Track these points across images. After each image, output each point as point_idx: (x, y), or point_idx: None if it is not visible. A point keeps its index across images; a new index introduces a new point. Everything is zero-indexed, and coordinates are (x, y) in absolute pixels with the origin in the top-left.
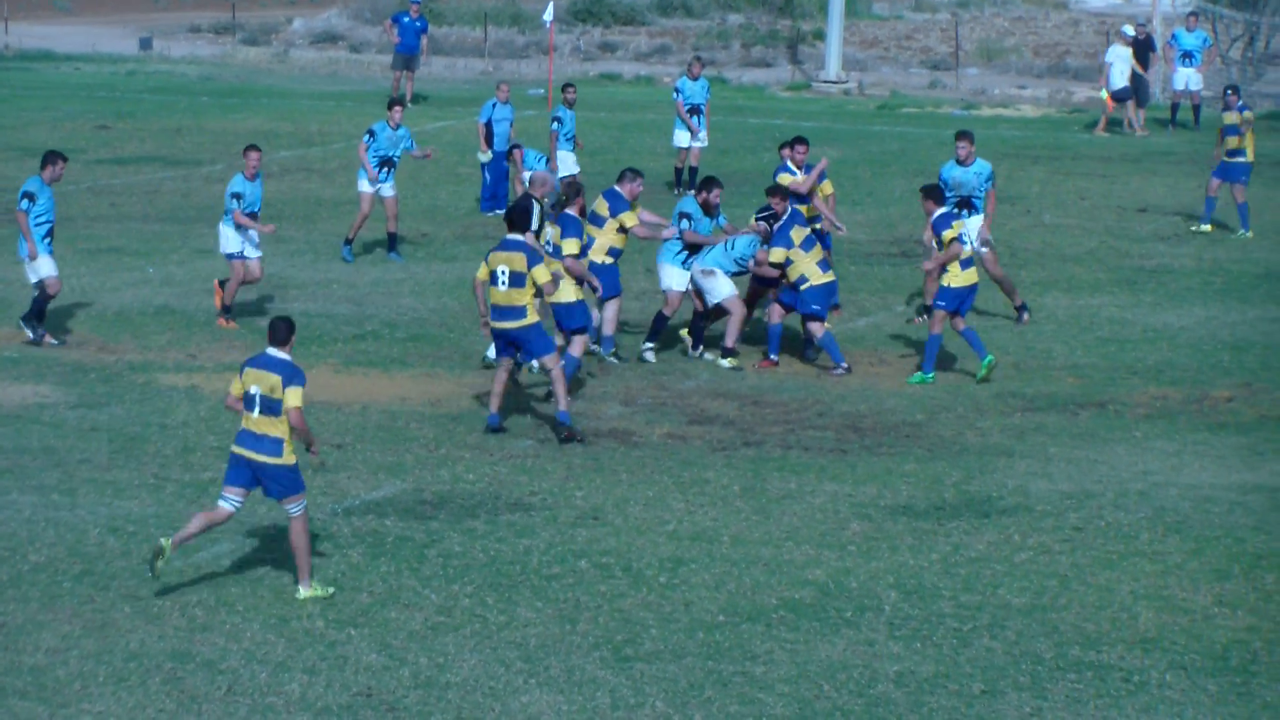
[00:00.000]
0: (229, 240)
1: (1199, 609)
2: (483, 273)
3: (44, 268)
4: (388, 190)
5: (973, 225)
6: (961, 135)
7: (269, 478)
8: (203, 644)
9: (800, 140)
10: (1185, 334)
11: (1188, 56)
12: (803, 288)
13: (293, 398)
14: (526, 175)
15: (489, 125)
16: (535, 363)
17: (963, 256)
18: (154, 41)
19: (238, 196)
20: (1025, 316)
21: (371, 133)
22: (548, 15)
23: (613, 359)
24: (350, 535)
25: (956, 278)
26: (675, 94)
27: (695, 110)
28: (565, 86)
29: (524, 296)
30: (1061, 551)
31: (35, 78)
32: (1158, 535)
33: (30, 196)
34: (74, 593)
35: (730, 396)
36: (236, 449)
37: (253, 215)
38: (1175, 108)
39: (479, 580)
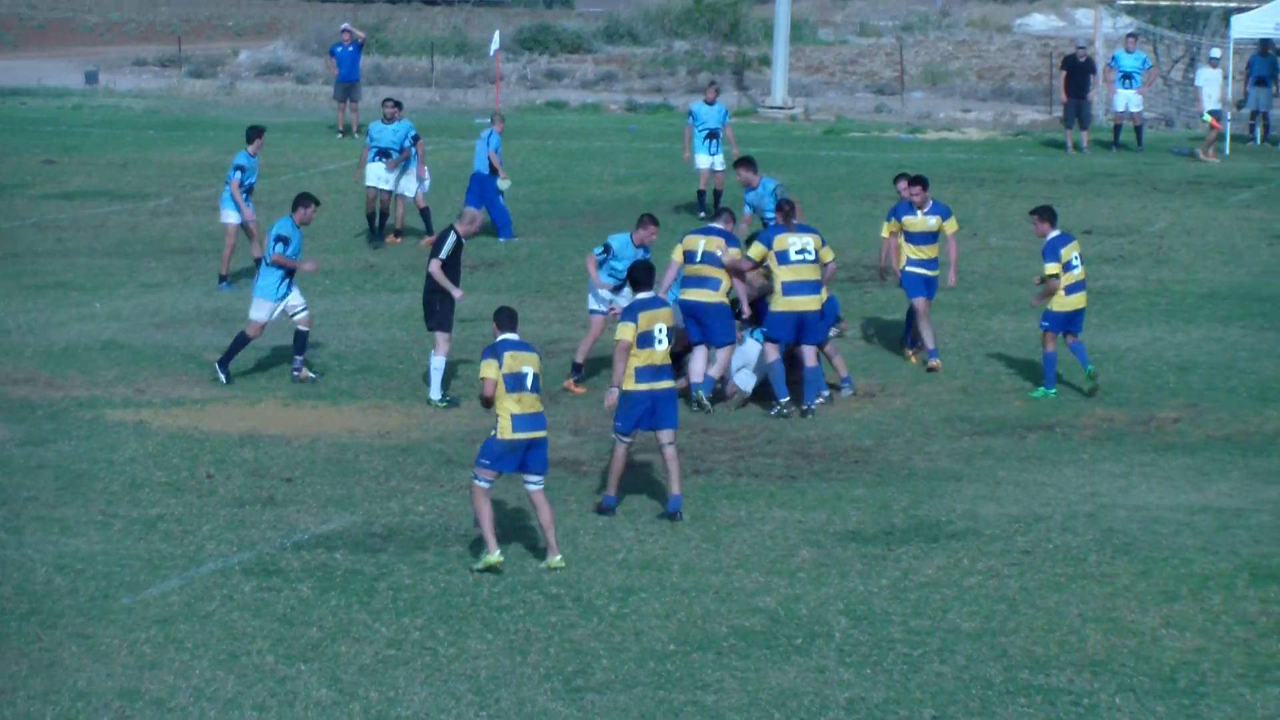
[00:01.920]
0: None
1: (1147, 630)
2: (629, 333)
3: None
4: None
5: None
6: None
7: (540, 453)
8: (151, 682)
9: (920, 180)
10: (1131, 355)
11: (1128, 78)
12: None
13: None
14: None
15: (497, 153)
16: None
17: (1065, 283)
18: (100, 75)
19: (240, 168)
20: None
21: (241, 166)
22: (494, 45)
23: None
24: (300, 569)
25: (1061, 302)
26: (689, 118)
27: (713, 134)
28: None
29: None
30: (1010, 575)
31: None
32: (1106, 557)
33: (284, 240)
34: (21, 632)
35: (679, 425)
36: (517, 435)
37: (250, 189)
38: (1118, 129)
39: (429, 613)
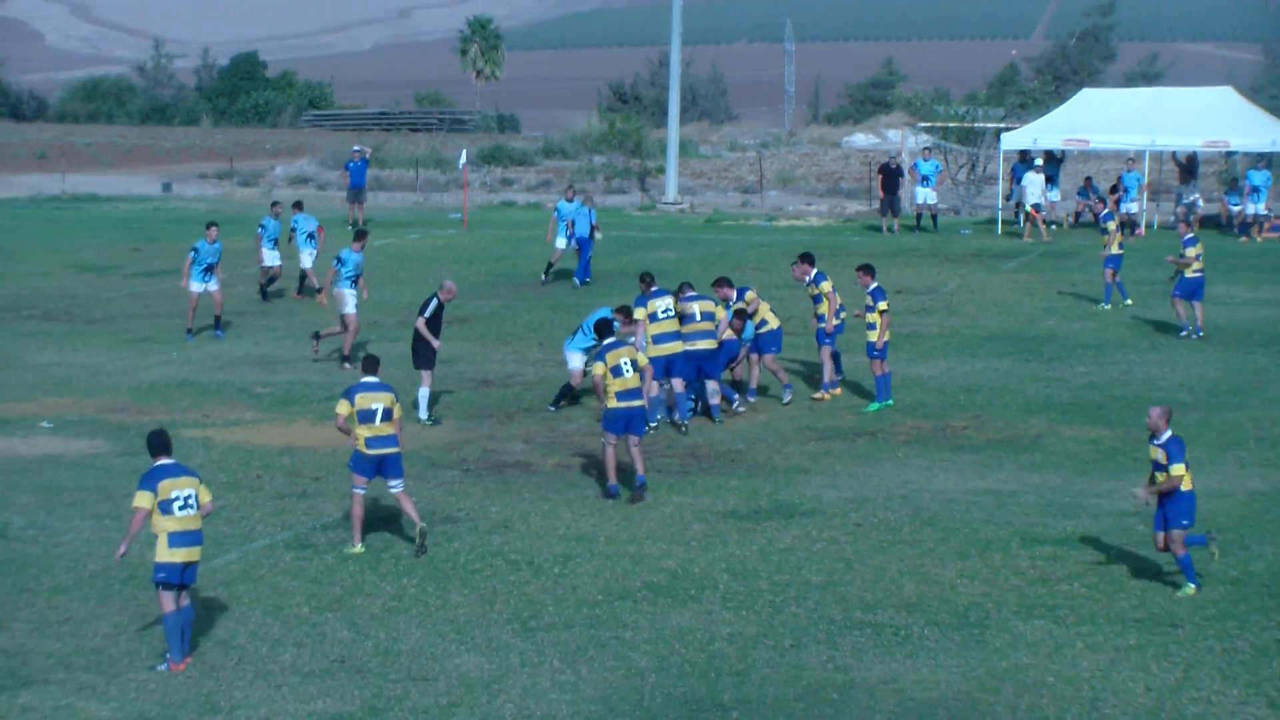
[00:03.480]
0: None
1: (946, 581)
2: (600, 369)
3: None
4: (214, 286)
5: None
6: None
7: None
8: (219, 627)
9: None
10: (932, 380)
11: (925, 180)
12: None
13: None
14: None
15: (561, 218)
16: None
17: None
18: (172, 185)
19: (195, 250)
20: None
21: (196, 249)
22: (462, 160)
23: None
24: (326, 544)
25: (879, 336)
26: (555, 212)
27: (571, 224)
28: (273, 204)
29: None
30: (846, 541)
31: (85, 214)
32: (916, 527)
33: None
34: (122, 593)
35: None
36: (371, 451)
37: (210, 267)
38: (919, 217)
39: (421, 575)
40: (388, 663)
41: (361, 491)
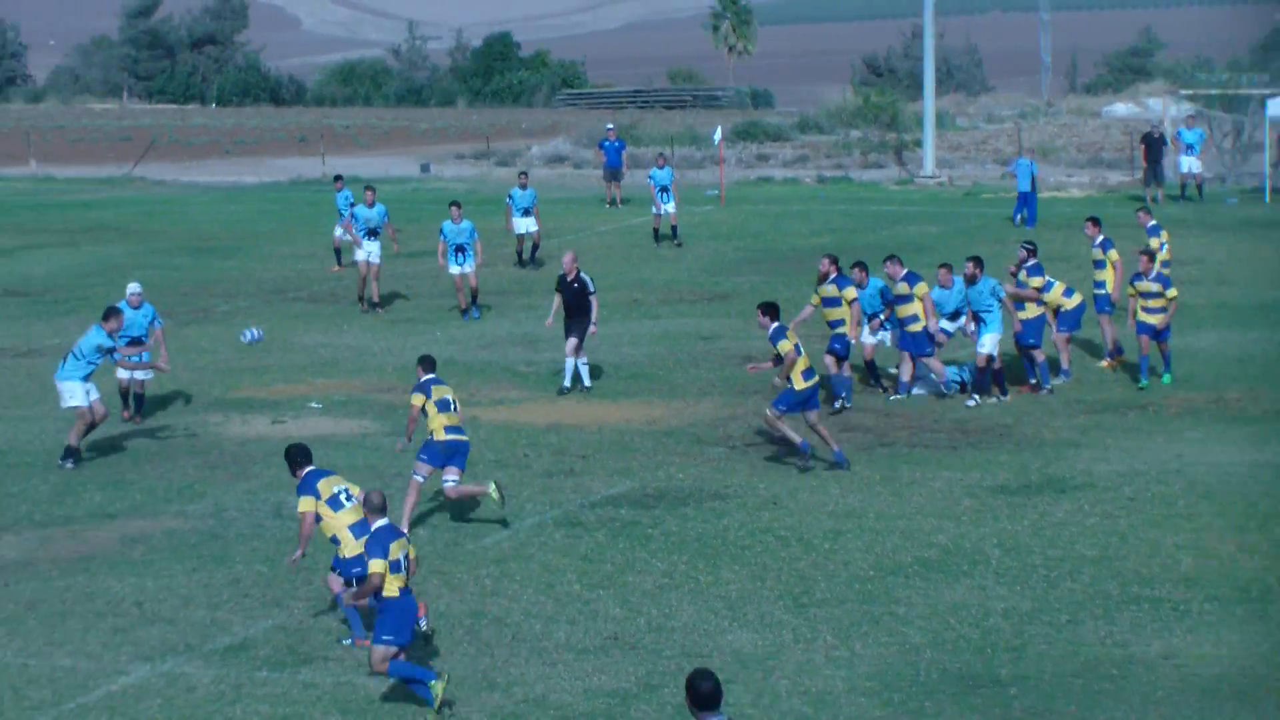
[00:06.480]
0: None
1: (1226, 555)
2: (787, 346)
3: None
4: (468, 267)
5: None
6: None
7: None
8: (491, 605)
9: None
10: (1203, 352)
11: (1189, 148)
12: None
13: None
14: None
15: None
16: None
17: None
18: (430, 166)
19: (442, 231)
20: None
21: (443, 230)
22: (717, 136)
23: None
24: (595, 521)
25: (1143, 316)
26: (508, 199)
27: (526, 212)
28: (366, 187)
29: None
30: (1120, 515)
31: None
32: (1191, 501)
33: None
34: None
35: (869, 411)
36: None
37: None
38: (1184, 186)
39: (692, 551)
40: (661, 639)
41: (420, 480)
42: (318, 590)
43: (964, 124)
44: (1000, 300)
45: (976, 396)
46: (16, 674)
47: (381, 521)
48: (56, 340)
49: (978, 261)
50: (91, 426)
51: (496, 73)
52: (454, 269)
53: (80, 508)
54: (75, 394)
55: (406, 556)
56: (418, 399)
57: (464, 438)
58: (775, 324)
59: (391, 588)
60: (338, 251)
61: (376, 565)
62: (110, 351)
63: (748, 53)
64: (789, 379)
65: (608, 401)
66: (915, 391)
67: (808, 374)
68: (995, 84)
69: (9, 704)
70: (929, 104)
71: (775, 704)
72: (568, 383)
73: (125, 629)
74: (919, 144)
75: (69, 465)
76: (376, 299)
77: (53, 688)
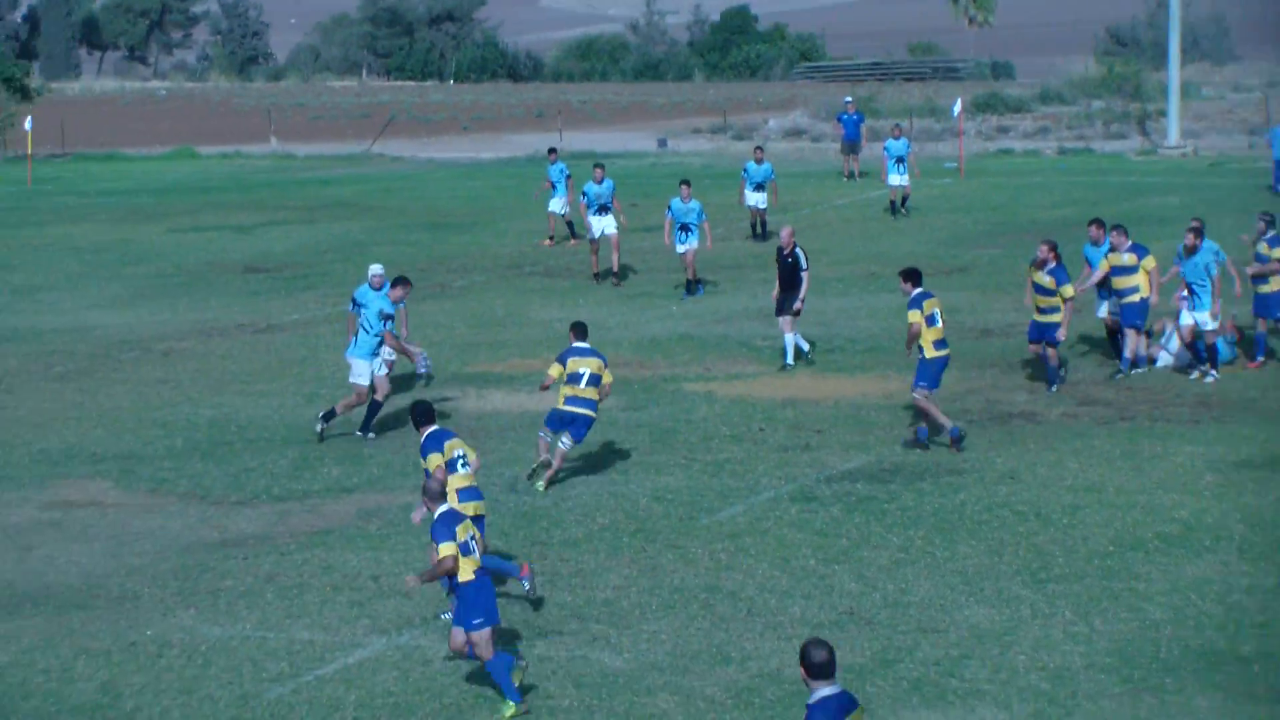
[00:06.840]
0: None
1: None
2: (917, 316)
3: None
4: (693, 244)
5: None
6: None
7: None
8: (726, 580)
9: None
10: None
11: None
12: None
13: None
14: None
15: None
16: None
17: None
18: (667, 140)
19: (669, 209)
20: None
21: (670, 208)
22: (956, 109)
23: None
24: (830, 496)
25: None
26: (743, 173)
27: (760, 187)
28: (596, 165)
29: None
30: None
31: (581, 171)
32: None
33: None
34: (630, 545)
35: (1107, 385)
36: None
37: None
38: None
39: (928, 526)
40: (897, 614)
41: (545, 438)
42: (552, 565)
43: (1209, 94)
44: (1220, 269)
45: (1214, 372)
46: (255, 646)
47: (444, 507)
48: (295, 316)
49: (1197, 231)
50: (374, 408)
51: (734, 46)
52: (680, 247)
53: (317, 482)
54: (362, 373)
55: (473, 538)
56: (555, 369)
57: (581, 410)
58: (916, 290)
59: (466, 571)
60: (570, 225)
61: (447, 548)
62: (389, 318)
63: (988, 24)
64: (920, 349)
65: (843, 375)
66: (1158, 366)
67: (939, 344)
68: (1243, 53)
69: (248, 676)
70: (1174, 73)
71: (1013, 679)
72: (790, 359)
73: (362, 602)
74: (1163, 114)
75: (370, 436)
76: (616, 269)
77: (290, 660)
